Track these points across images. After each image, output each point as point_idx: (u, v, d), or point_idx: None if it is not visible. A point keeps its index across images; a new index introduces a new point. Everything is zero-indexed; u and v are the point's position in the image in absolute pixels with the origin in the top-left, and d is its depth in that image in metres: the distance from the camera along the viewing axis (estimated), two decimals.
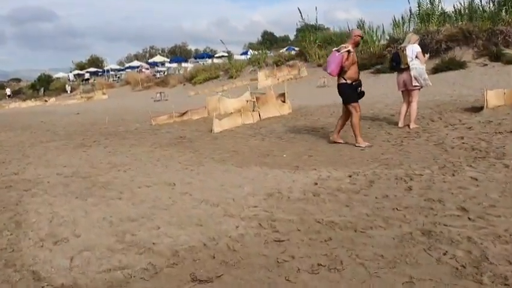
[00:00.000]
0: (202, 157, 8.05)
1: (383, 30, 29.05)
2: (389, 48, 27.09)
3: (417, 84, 8.42)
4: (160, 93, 26.37)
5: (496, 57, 21.37)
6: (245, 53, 48.30)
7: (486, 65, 21.26)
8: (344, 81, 7.85)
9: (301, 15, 31.76)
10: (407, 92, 8.71)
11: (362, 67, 26.06)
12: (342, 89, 7.98)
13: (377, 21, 56.13)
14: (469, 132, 7.84)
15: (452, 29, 23.81)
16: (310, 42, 30.89)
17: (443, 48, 23.18)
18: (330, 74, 7.90)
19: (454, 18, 27.17)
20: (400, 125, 8.78)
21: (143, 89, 38.83)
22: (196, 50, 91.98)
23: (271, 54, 37.76)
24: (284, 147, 8.32)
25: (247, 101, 13.20)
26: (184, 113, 13.46)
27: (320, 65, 29.44)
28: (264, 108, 12.01)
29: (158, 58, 64.78)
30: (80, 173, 7.33)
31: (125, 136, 11.36)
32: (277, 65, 31.10)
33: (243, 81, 29.46)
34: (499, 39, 22.63)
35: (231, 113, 13.75)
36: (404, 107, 8.86)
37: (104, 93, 37.85)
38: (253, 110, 12.66)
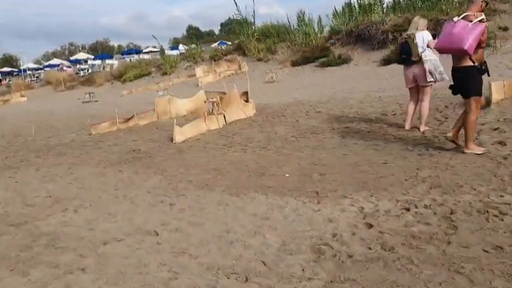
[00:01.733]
0: (175, 181, 6.04)
1: (319, 22, 27.79)
2: (331, 40, 26.02)
3: (432, 79, 6.86)
4: (89, 93, 23.48)
5: None
6: (175, 48, 45.69)
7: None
8: (472, 63, 5.61)
9: (238, 8, 29.86)
10: (416, 88, 7.14)
11: (305, 60, 24.87)
12: (469, 75, 5.67)
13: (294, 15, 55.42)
14: (502, 135, 6.38)
15: (398, 19, 22.92)
16: (248, 35, 29.07)
17: (390, 38, 22.21)
18: (465, 51, 5.43)
19: (394, 8, 26.47)
20: (407, 127, 7.26)
21: (67, 89, 35.25)
22: (119, 46, 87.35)
23: (203, 48, 35.55)
24: (278, 161, 6.49)
25: (206, 102, 11.15)
26: (129, 118, 11.19)
27: (260, 59, 27.83)
28: (228, 110, 10.05)
29: (80, 55, 60.10)
30: (11, 217, 5.08)
31: (60, 151, 8.98)
32: (214, 60, 29.05)
33: (179, 77, 27.16)
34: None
35: (184, 115, 11.69)
36: (411, 106, 7.40)
37: (22, 95, 33.87)
38: (212, 112, 10.70)
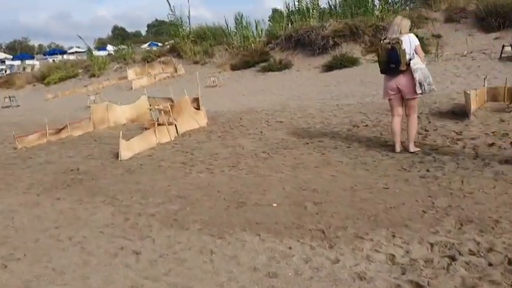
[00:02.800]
0: (132, 214, 4.78)
1: (257, 26, 26.96)
2: (270, 45, 25.25)
3: (420, 91, 6.00)
4: (9, 97, 20.99)
5: None
6: (103, 49, 43.12)
7: (376, 61, 20.31)
8: None
9: (171, 8, 28.34)
10: (398, 100, 6.23)
11: (245, 65, 23.89)
12: None
13: (223, 19, 54.57)
14: (504, 152, 5.68)
15: (338, 24, 22.56)
16: (183, 37, 27.66)
17: (330, 44, 21.79)
18: None
19: (330, 13, 26.18)
20: (398, 149, 6.28)
21: None
22: (40, 45, 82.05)
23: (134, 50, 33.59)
24: (256, 185, 5.40)
25: (151, 109, 9.80)
26: (61, 129, 9.58)
27: (196, 62, 26.54)
28: (179, 120, 8.80)
29: None
30: None
31: None
32: (147, 62, 27.35)
33: (110, 80, 25.20)
34: (383, 35, 21.87)
35: (124, 124, 10.25)
36: (397, 123, 6.33)
37: None
38: (159, 122, 9.41)
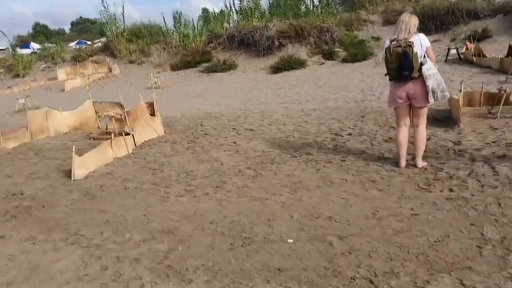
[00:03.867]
0: (109, 258, 3.72)
1: (198, 25, 25.84)
2: (212, 44, 24.20)
3: (433, 100, 5.27)
4: None
5: (330, 55, 20.24)
6: (26, 46, 39.88)
7: (323, 63, 19.97)
8: None
9: (104, 4, 26.50)
10: (406, 108, 5.48)
11: (187, 64, 22.66)
12: None
13: (152, 17, 52.77)
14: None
15: (282, 25, 21.96)
16: (117, 35, 25.93)
17: (275, 45, 21.15)
18: None
19: (271, 13, 25.57)
20: (403, 164, 5.52)
21: None
22: None
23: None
24: (256, 212, 4.45)
25: (99, 116, 8.50)
26: None
27: (132, 62, 24.97)
28: (136, 129, 7.62)
29: None
30: None
31: None
32: (79, 61, 25.36)
33: (38, 80, 23.01)
34: (327, 36, 21.61)
35: (66, 133, 8.88)
36: (404, 134, 5.53)
37: None
38: (108, 130, 8.20)
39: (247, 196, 4.91)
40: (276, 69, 19.19)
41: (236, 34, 22.95)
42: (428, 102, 5.29)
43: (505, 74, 12.72)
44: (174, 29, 25.41)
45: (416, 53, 5.13)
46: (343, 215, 4.25)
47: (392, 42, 5.19)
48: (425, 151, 5.80)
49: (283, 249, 3.68)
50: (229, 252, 3.70)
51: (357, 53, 19.31)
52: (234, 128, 8.47)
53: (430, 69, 5.21)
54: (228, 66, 21.10)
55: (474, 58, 15.55)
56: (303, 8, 26.09)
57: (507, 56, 15.90)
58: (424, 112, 5.42)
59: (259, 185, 5.21)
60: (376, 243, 3.67)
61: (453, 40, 22.04)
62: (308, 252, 3.59)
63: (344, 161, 5.87)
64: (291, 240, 3.81)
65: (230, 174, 5.66)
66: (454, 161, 5.51)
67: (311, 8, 25.35)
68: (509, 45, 16.99)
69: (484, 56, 16.14)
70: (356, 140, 6.85)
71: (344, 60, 19.70)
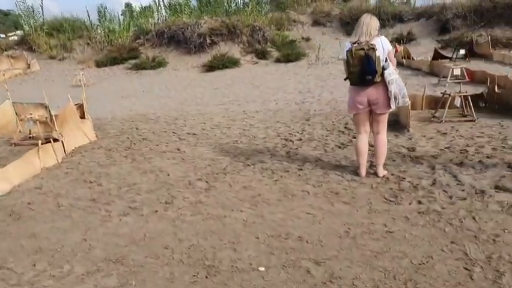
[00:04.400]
0: None
1: (124, 20, 24.66)
2: (139, 41, 23.13)
3: (394, 106, 5.03)
4: None
5: (263, 54, 20.01)
6: None
7: (257, 62, 19.70)
8: None
9: None
10: (366, 114, 5.18)
11: (113, 61, 21.44)
12: None
13: (75, 11, 50.14)
14: (485, 175, 4.99)
15: (214, 22, 21.43)
16: (36, 29, 24.10)
17: (207, 42, 20.60)
18: None
19: (200, 10, 24.93)
20: (363, 173, 5.22)
21: None
22: None
23: None
24: (217, 233, 3.94)
25: (22, 119, 7.54)
26: None
27: (53, 57, 23.29)
28: (65, 134, 6.80)
29: None
30: None
31: None
32: None
33: None
34: (259, 36, 21.38)
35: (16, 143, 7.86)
36: (364, 142, 5.21)
37: None
38: (32, 135, 7.33)
39: (202, 213, 4.37)
40: (210, 67, 18.63)
41: (166, 30, 22.10)
42: (390, 108, 5.03)
43: (435, 77, 13.05)
44: (99, 24, 24.00)
45: (379, 56, 4.84)
46: (314, 234, 3.84)
47: (354, 45, 4.86)
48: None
49: (255, 279, 3.20)
50: (192, 286, 3.16)
51: (290, 54, 19.21)
52: (174, 132, 7.85)
53: (392, 74, 4.95)
54: (157, 64, 20.23)
55: (404, 60, 15.90)
56: (233, 6, 25.69)
57: (433, 58, 16.47)
58: (385, 118, 5.16)
59: (215, 200, 4.69)
60: (357, 268, 3.29)
61: None
62: (284, 283, 3.14)
63: (301, 169, 5.49)
64: (263, 269, 3.35)
65: (179, 187, 5.08)
66: (413, 169, 5.30)
67: (241, 7, 24.99)
68: (435, 49, 17.64)
69: (412, 58, 16.60)
70: (309, 146, 6.51)
71: (277, 60, 19.54)
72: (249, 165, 5.73)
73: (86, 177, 5.58)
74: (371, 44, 4.82)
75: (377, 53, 4.83)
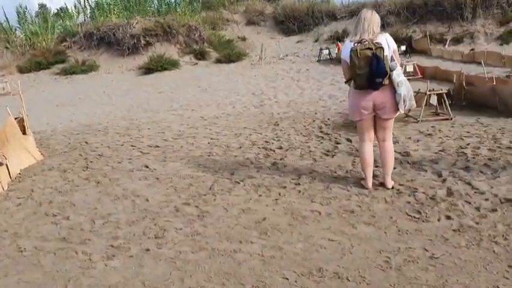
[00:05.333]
0: None
1: (48, 21, 22.80)
2: (65, 43, 21.43)
3: (403, 110, 4.53)
4: None
5: (201, 55, 19.20)
6: None
7: (196, 63, 18.87)
8: None
9: None
10: (372, 120, 4.62)
11: (38, 66, 19.63)
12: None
13: None
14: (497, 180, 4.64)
15: (148, 22, 20.29)
16: None
17: (142, 44, 19.48)
18: None
19: (129, 9, 23.63)
20: (370, 184, 4.67)
21: None
22: None
23: None
24: (234, 276, 3.23)
25: None
26: None
27: None
28: (9, 155, 5.72)
29: None
30: None
31: None
32: None
33: None
34: (196, 35, 20.55)
35: None
36: (369, 150, 4.64)
37: None
38: None
39: (206, 249, 3.61)
40: (147, 70, 17.55)
41: (95, 32, 20.63)
42: (397, 112, 4.53)
43: None
44: (19, 26, 21.98)
45: (386, 56, 4.32)
46: (351, 268, 3.22)
47: (357, 44, 4.29)
48: (376, 165, 5.09)
49: None
50: None
51: (231, 54, 18.54)
52: (133, 146, 6.93)
53: (400, 75, 4.45)
54: (88, 67, 18.79)
55: None
56: (164, 5, 24.59)
57: None
58: (391, 124, 4.66)
59: (214, 230, 3.93)
60: None
61: (316, 40, 22.55)
62: None
63: (299, 184, 4.86)
64: None
65: (166, 216, 4.26)
66: (420, 178, 4.85)
67: (174, 6, 23.96)
68: None
69: None
70: (293, 155, 5.90)
71: (218, 61, 18.82)
72: (237, 182, 5.00)
73: (46, 209, 4.58)
74: (377, 43, 4.28)
75: (385, 52, 4.30)
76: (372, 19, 4.43)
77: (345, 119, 7.69)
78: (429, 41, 16.62)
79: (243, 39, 23.94)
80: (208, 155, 6.13)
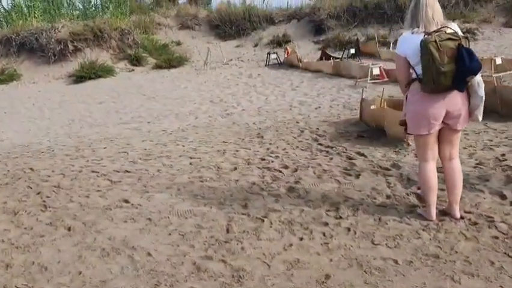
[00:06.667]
0: None
1: None
2: None
3: (481, 117, 3.58)
4: None
5: (138, 61, 17.60)
6: None
7: (133, 70, 17.24)
8: None
9: None
10: (437, 134, 3.61)
11: None
12: None
13: None
14: None
15: (75, 25, 18.30)
16: None
17: (70, 49, 17.51)
18: None
19: (49, 13, 21.40)
20: (434, 214, 3.63)
21: None
22: None
23: None
24: None
25: None
26: None
27: None
28: None
29: None
30: None
31: None
32: None
33: None
34: (130, 40, 18.88)
35: None
36: (434, 172, 3.64)
37: None
38: None
39: None
40: (79, 78, 15.67)
41: (13, 37, 18.26)
42: (469, 121, 3.59)
43: (343, 78, 12.24)
44: None
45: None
46: None
47: (432, 34, 3.27)
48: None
49: None
50: None
51: (172, 59, 17.11)
52: (94, 171, 5.49)
53: (479, 76, 3.49)
54: (8, 77, 16.54)
55: (300, 63, 14.94)
56: (91, 8, 22.59)
57: (321, 59, 15.86)
58: (458, 138, 3.69)
59: None
60: None
61: (256, 45, 21.67)
62: None
63: (340, 218, 3.77)
64: None
65: (187, 279, 2.98)
66: (482, 201, 3.97)
67: (101, 8, 22.04)
68: (322, 50, 17.11)
69: (300, 60, 15.67)
70: (308, 177, 4.80)
71: (158, 67, 17.32)
72: (259, 218, 3.81)
73: (8, 280, 3.10)
74: (455, 33, 3.32)
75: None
76: (434, 6, 3.45)
77: (337, 129, 6.73)
78: (377, 44, 16.24)
79: (178, 43, 22.55)
80: (201, 181, 4.86)
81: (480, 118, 3.53)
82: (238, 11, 24.36)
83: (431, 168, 3.62)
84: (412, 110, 3.51)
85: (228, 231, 3.62)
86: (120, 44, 18.36)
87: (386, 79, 10.96)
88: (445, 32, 3.27)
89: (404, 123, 3.70)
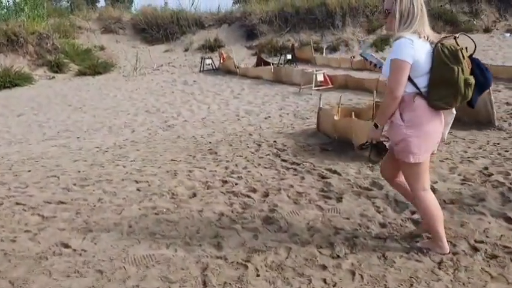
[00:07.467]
0: None
1: None
2: None
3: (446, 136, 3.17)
4: None
5: (58, 67, 16.15)
6: None
7: (53, 77, 15.77)
8: None
9: None
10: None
11: None
12: None
13: None
14: None
15: None
16: None
17: None
18: None
19: None
20: (447, 248, 3.08)
21: None
22: None
23: None
24: None
25: None
26: None
27: None
28: None
29: None
30: None
31: None
32: None
33: None
34: (49, 45, 17.35)
35: None
36: (434, 197, 3.11)
37: None
38: None
39: None
40: None
41: None
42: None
43: (286, 85, 11.78)
44: None
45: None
46: None
47: (441, 43, 2.75)
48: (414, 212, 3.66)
49: None
50: None
51: (97, 65, 15.80)
52: (19, 203, 4.47)
53: None
54: None
55: (238, 69, 14.30)
56: (3, 9, 20.59)
57: (257, 65, 15.36)
58: None
59: None
60: None
61: (187, 50, 20.85)
62: None
63: (338, 257, 3.16)
64: None
65: None
66: (488, 226, 3.51)
67: (15, 10, 20.15)
68: (258, 55, 16.60)
69: (237, 66, 15.07)
70: (283, 202, 4.15)
71: (82, 73, 15.96)
72: (241, 263, 3.09)
73: None
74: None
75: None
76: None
77: (296, 141, 6.14)
78: (312, 50, 15.99)
79: (102, 48, 21.17)
80: (156, 213, 4.02)
81: (445, 139, 3.10)
82: (166, 14, 23.32)
83: (434, 196, 3.12)
84: (424, 132, 2.92)
85: (205, 284, 2.85)
86: (38, 49, 16.74)
87: (330, 85, 10.60)
88: (448, 39, 2.77)
89: (366, 147, 3.22)
